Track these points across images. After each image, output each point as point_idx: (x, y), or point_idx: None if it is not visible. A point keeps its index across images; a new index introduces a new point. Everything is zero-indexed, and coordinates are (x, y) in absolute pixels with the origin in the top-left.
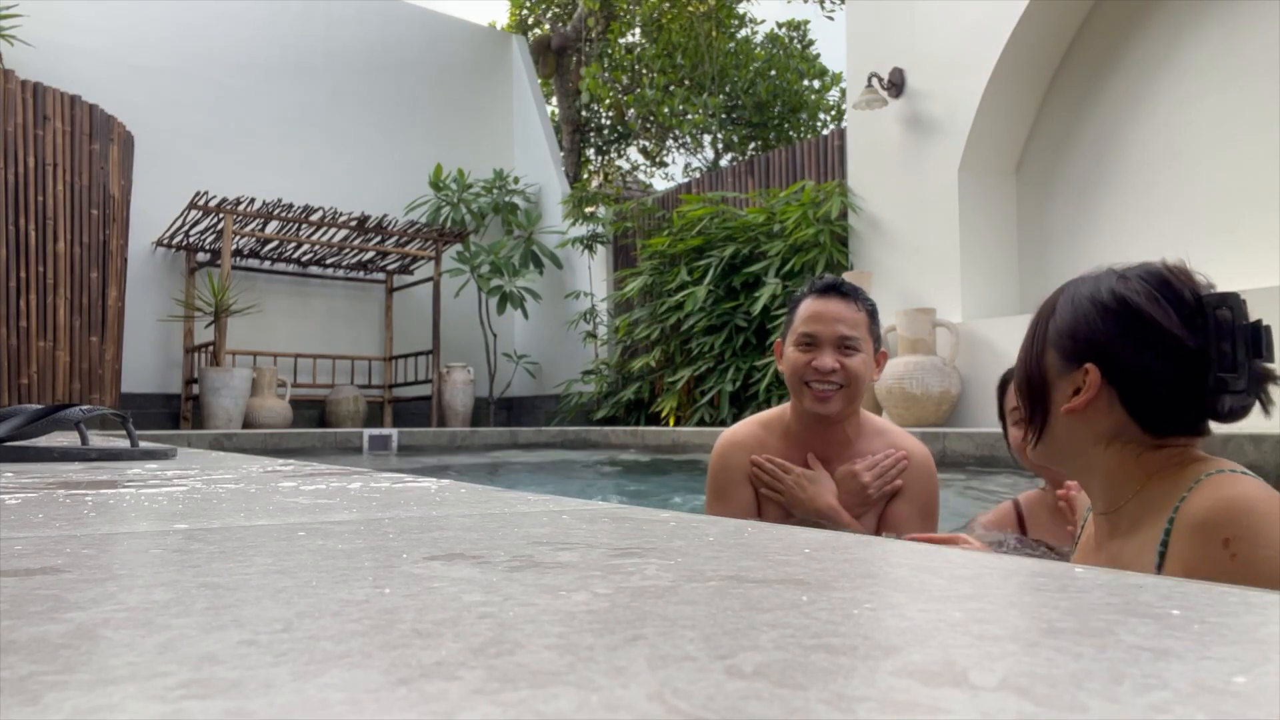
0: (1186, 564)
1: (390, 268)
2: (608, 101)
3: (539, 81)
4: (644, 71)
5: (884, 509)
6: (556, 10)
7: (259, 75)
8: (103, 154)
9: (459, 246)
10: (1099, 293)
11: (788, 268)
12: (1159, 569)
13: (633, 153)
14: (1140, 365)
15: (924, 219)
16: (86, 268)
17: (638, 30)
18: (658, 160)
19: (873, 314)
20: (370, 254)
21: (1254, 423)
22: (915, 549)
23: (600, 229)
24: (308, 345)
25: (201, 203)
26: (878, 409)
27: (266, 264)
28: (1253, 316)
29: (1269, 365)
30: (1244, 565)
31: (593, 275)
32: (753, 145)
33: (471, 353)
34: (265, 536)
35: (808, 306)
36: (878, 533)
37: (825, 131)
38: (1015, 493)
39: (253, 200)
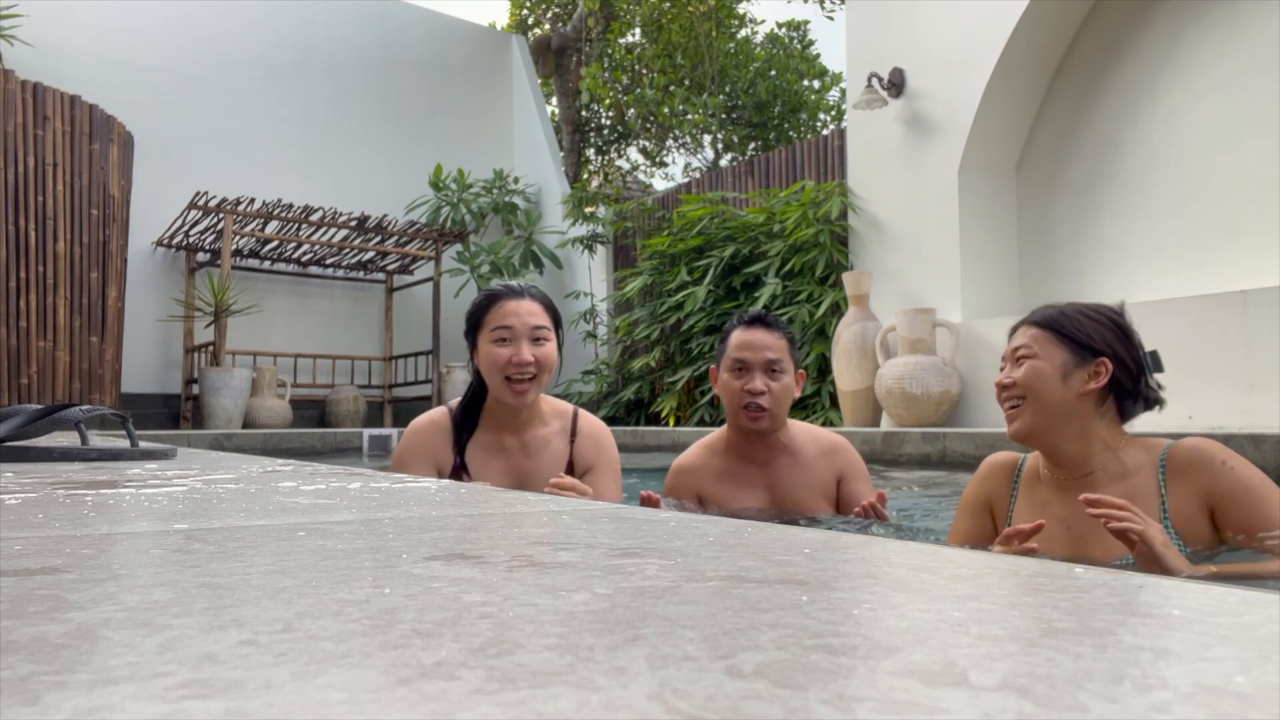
0: (1190, 484)
1: (390, 268)
2: (608, 101)
3: (539, 81)
4: (644, 71)
5: (837, 494)
6: (556, 10)
7: (259, 75)
8: (103, 154)
9: (459, 246)
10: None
11: (788, 268)
12: (1163, 495)
13: (633, 153)
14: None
15: (924, 219)
16: (86, 268)
17: (638, 30)
18: (658, 160)
19: (792, 341)
20: (370, 254)
21: (1253, 422)
22: (915, 549)
23: (600, 229)
24: (308, 345)
25: (201, 203)
26: (878, 409)
27: (266, 264)
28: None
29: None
30: (1236, 471)
31: (593, 275)
32: (753, 145)
33: None
34: (265, 536)
35: (738, 336)
36: (838, 510)
37: (825, 131)
38: None
39: (253, 200)
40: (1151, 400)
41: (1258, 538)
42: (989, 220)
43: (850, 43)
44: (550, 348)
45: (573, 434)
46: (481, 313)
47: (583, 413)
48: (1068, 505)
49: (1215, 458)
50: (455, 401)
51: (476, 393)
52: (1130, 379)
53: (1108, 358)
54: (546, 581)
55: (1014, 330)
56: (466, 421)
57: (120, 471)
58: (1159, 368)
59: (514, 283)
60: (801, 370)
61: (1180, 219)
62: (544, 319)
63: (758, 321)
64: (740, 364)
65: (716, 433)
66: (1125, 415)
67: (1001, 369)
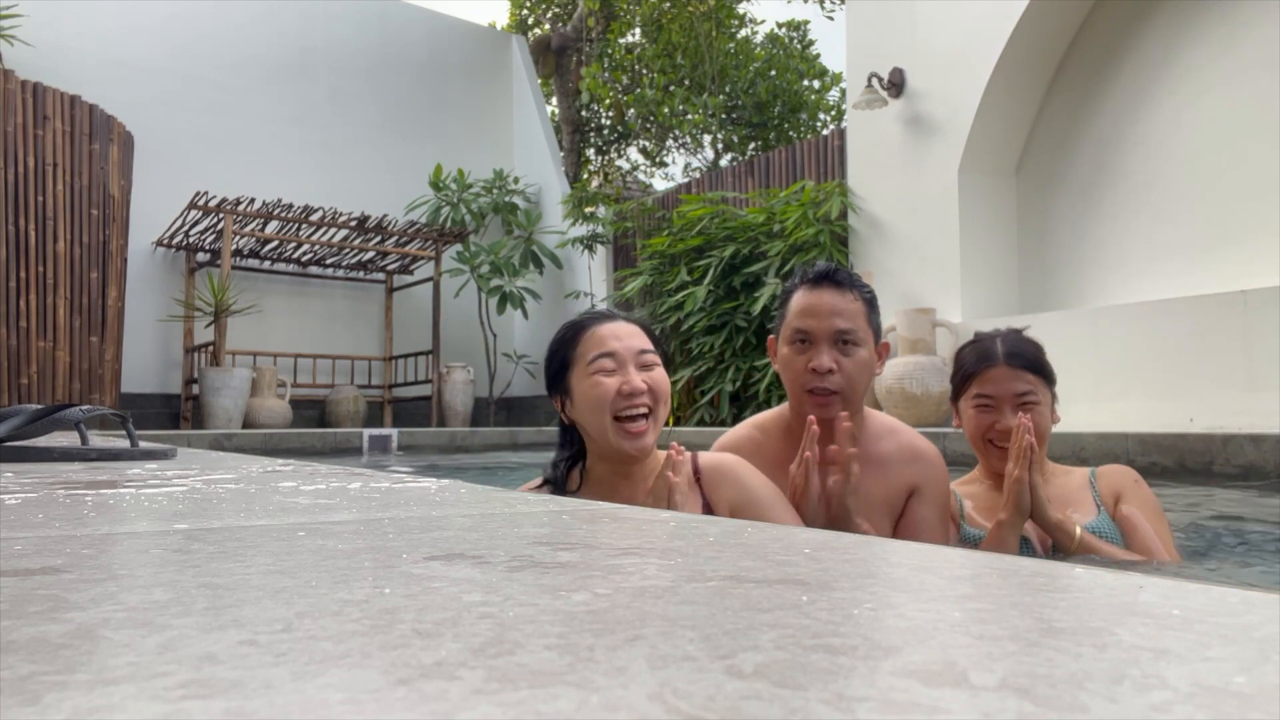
0: (1113, 488)
1: (390, 268)
2: (608, 101)
3: (539, 81)
4: (644, 71)
5: (903, 509)
6: (556, 10)
7: (259, 75)
8: (103, 154)
9: (459, 246)
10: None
11: (788, 268)
12: (1095, 488)
13: (633, 153)
14: None
15: (924, 219)
16: (86, 268)
17: (638, 30)
18: (658, 160)
19: (871, 303)
20: (370, 254)
21: (1253, 422)
22: (915, 549)
23: (600, 229)
24: (308, 345)
25: (201, 203)
26: (878, 409)
27: (266, 264)
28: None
29: None
30: (1145, 490)
31: (593, 275)
32: (753, 145)
33: (471, 353)
34: (265, 536)
35: (801, 300)
36: (897, 527)
37: (825, 131)
38: None
39: (253, 200)
40: None
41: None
42: (989, 220)
43: (850, 43)
44: (660, 371)
45: (696, 473)
46: (570, 345)
47: (702, 453)
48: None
49: (1131, 475)
50: (545, 475)
51: (573, 454)
52: None
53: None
54: (546, 581)
55: (987, 368)
56: (566, 492)
57: (120, 471)
58: None
59: (599, 309)
60: (886, 341)
61: (1180, 219)
62: (647, 341)
63: (826, 279)
64: (803, 335)
65: (772, 412)
66: None
67: (984, 406)
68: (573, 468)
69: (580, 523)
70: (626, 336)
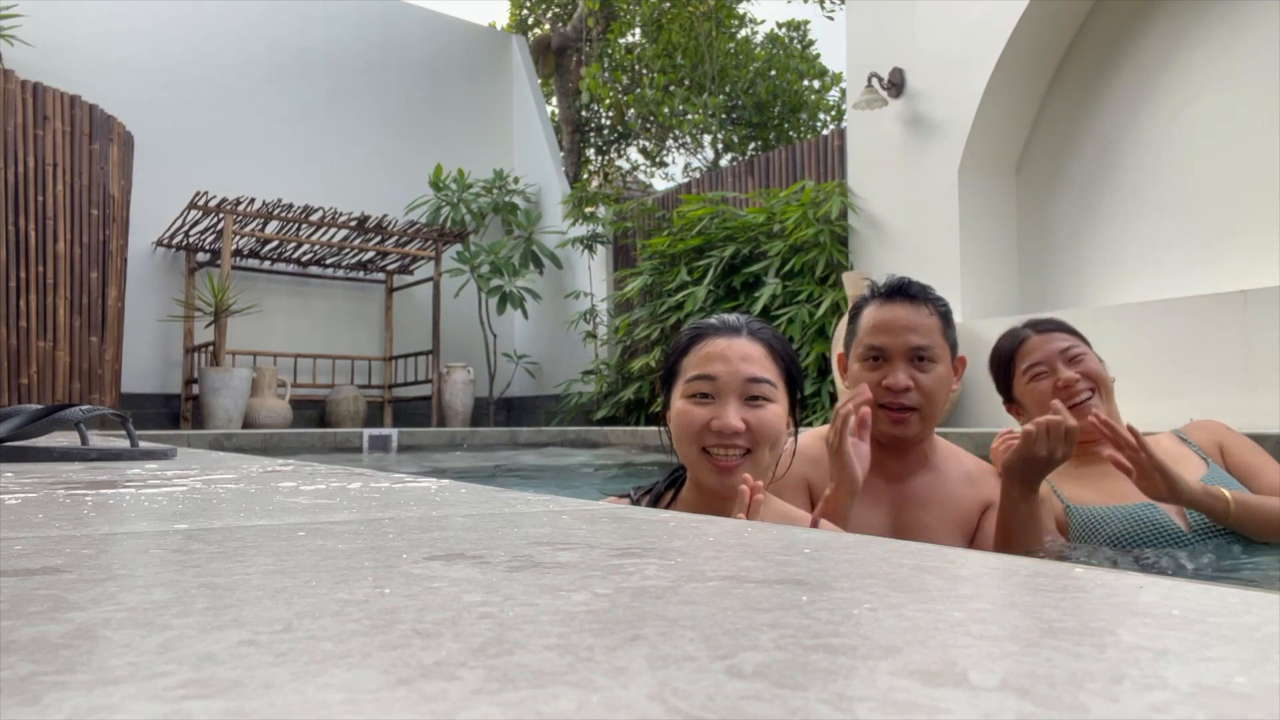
0: (1213, 439)
1: (390, 268)
2: (608, 101)
3: (539, 81)
4: (644, 71)
5: (977, 525)
6: (556, 10)
7: (259, 75)
8: (103, 154)
9: (459, 246)
10: None
11: (788, 268)
12: (1189, 444)
13: (633, 153)
14: None
15: (924, 219)
16: (86, 268)
17: (638, 30)
18: (658, 160)
19: (946, 317)
20: (370, 254)
21: (1253, 422)
22: (914, 549)
23: (600, 229)
24: (308, 345)
25: (201, 203)
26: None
27: (266, 264)
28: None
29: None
30: (1242, 436)
31: (593, 275)
32: (753, 145)
33: (471, 353)
34: (265, 536)
35: (872, 315)
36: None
37: (825, 131)
38: None
39: (253, 200)
40: None
41: None
42: (989, 220)
43: (850, 43)
44: (772, 410)
45: None
46: (683, 353)
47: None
48: (1099, 474)
49: (1221, 424)
50: (635, 489)
51: (676, 476)
52: None
53: None
54: (546, 581)
55: (1021, 343)
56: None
57: (120, 471)
58: None
59: (731, 316)
60: (962, 355)
61: (1180, 219)
62: (765, 367)
63: (899, 293)
64: (876, 351)
65: None
66: None
67: (1037, 374)
68: (670, 487)
69: (580, 523)
70: (739, 360)
